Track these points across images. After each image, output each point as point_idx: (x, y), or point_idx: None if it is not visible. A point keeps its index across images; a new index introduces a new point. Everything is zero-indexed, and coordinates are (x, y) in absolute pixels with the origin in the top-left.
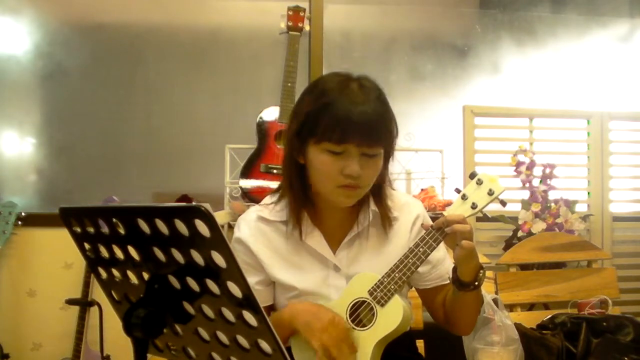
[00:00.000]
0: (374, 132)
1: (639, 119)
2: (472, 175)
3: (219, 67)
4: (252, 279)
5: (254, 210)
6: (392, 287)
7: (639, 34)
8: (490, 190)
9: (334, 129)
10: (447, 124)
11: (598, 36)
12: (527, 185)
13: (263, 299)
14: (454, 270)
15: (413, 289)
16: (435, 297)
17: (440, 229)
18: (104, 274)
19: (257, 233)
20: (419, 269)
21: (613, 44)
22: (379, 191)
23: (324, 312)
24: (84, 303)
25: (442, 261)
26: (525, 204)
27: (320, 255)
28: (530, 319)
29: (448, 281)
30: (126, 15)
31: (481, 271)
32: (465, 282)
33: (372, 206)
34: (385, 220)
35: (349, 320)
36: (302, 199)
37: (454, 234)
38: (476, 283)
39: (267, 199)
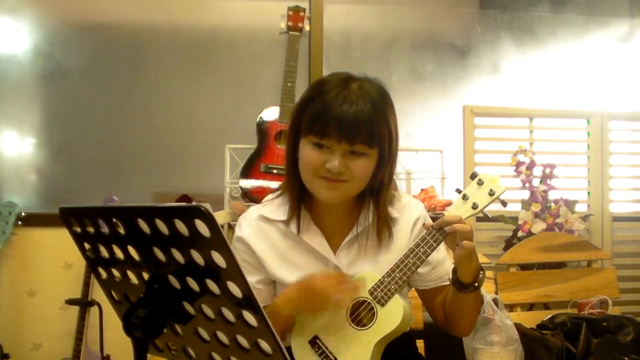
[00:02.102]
0: (355, 130)
1: (639, 119)
2: (473, 176)
3: (219, 67)
4: (252, 278)
5: (255, 209)
6: (393, 286)
7: (639, 34)
8: (491, 190)
9: (316, 121)
10: (447, 124)
11: (598, 36)
12: (527, 185)
13: (263, 299)
14: (454, 271)
15: (413, 289)
16: (435, 298)
17: (441, 229)
18: (104, 274)
19: (259, 232)
20: (419, 270)
21: (613, 44)
22: (378, 193)
23: (307, 282)
24: (84, 303)
25: (442, 262)
26: (525, 204)
27: (321, 256)
28: (530, 319)
29: (448, 282)
30: (126, 15)
31: (481, 272)
32: (465, 283)
33: (372, 206)
34: (382, 224)
35: (349, 320)
36: (300, 193)
37: (454, 235)
38: (476, 284)
39: (269, 197)
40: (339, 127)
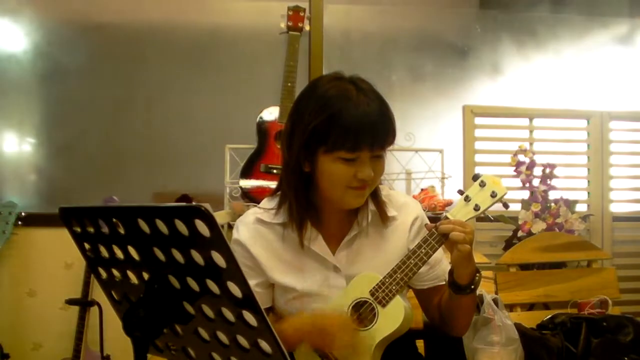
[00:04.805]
0: (384, 134)
1: (639, 119)
2: (475, 177)
3: (219, 67)
4: (251, 282)
5: (252, 213)
6: (394, 287)
7: (639, 34)
8: (493, 192)
9: (347, 138)
10: (447, 124)
11: (598, 36)
12: (527, 185)
13: (262, 302)
14: (450, 273)
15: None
16: (432, 298)
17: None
18: (104, 274)
19: (256, 235)
20: None
21: (613, 44)
22: (375, 192)
23: (327, 319)
24: (84, 303)
25: (440, 262)
26: (525, 204)
27: (320, 257)
28: (530, 319)
29: (444, 282)
30: (126, 15)
31: (477, 275)
32: (461, 285)
33: (371, 206)
34: (384, 215)
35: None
36: (305, 206)
37: None
38: (472, 287)
39: (266, 203)
40: (372, 137)
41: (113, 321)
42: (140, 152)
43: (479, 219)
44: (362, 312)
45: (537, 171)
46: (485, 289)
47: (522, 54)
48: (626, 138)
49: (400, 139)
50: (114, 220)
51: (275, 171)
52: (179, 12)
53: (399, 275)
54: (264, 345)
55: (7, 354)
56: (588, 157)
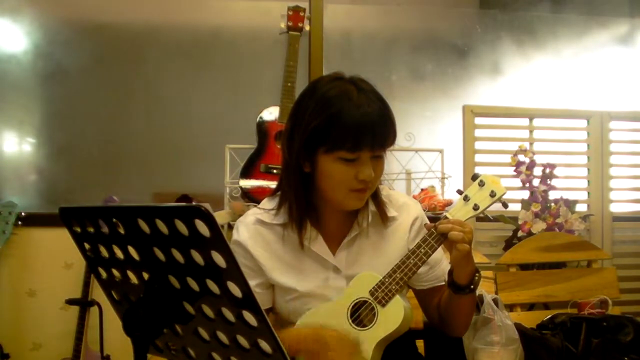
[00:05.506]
0: (384, 134)
1: (639, 119)
2: (474, 177)
3: (219, 67)
4: (251, 282)
5: (252, 213)
6: (394, 287)
7: (639, 34)
8: (492, 192)
9: (347, 138)
10: (447, 124)
11: (598, 36)
12: (527, 185)
13: (262, 302)
14: (450, 273)
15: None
16: (432, 298)
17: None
18: (104, 274)
19: (256, 236)
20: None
21: (613, 44)
22: (375, 192)
23: (327, 336)
24: (84, 303)
25: (440, 262)
26: (525, 204)
27: (320, 257)
28: (530, 319)
29: (444, 282)
30: (126, 15)
31: (477, 275)
32: (461, 285)
33: (371, 207)
34: (384, 215)
35: (350, 320)
36: (305, 206)
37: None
38: (472, 287)
39: (266, 204)
40: (373, 137)
41: (113, 321)
42: (140, 152)
43: (479, 218)
44: (362, 312)
45: (537, 171)
46: (485, 289)
47: (522, 54)
48: (626, 138)
49: (400, 139)
50: (114, 220)
51: (275, 171)
52: (179, 12)
53: (398, 275)
54: (264, 345)
55: (7, 354)
56: (588, 157)
